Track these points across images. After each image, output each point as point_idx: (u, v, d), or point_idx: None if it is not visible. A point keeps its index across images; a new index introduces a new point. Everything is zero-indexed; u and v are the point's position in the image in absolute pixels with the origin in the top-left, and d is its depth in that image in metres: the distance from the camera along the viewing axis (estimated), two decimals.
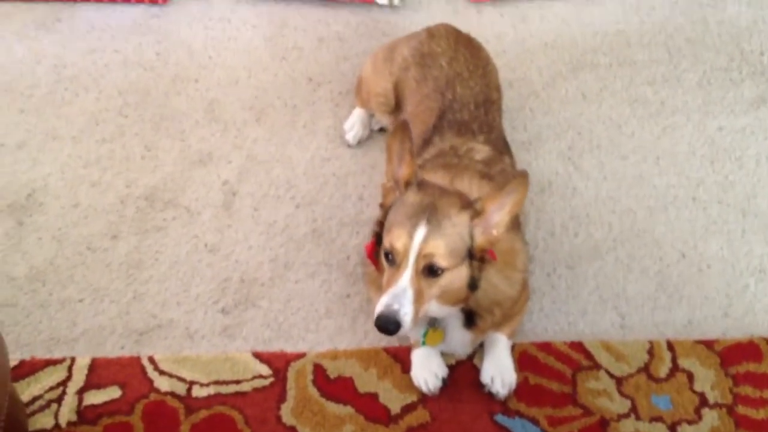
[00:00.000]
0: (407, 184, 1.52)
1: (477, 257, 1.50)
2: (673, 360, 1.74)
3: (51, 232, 1.99)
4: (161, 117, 2.27)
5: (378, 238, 1.58)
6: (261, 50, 2.47)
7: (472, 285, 1.53)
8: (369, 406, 1.69)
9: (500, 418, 1.66)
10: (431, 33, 2.12)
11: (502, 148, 1.90)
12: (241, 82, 2.37)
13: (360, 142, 2.21)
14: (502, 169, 1.80)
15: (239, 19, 2.55)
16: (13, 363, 1.70)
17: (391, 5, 2.56)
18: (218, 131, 2.24)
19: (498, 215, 1.47)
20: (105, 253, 1.95)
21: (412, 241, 1.44)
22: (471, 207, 1.48)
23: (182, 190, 2.10)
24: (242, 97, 2.33)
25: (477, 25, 2.48)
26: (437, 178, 1.67)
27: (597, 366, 1.73)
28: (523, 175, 1.45)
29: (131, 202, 2.06)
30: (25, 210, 2.03)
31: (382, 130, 2.23)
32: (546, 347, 1.77)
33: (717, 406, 1.68)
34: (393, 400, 1.69)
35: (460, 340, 1.69)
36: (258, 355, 1.77)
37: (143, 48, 2.46)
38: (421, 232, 1.44)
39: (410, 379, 1.71)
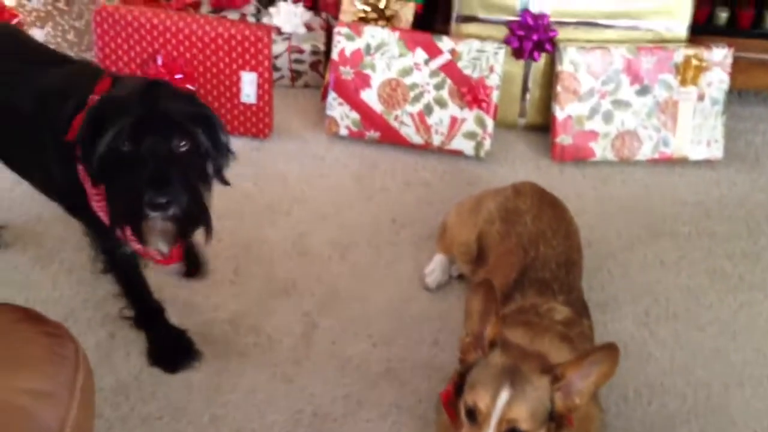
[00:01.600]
0: (492, 345, 1.56)
1: (556, 421, 1.52)
2: None
3: (138, 347, 2.08)
4: (252, 244, 2.39)
5: (457, 389, 1.61)
6: (350, 189, 2.60)
7: None
8: None
9: None
10: (517, 190, 2.21)
11: (580, 309, 1.94)
12: (329, 218, 2.49)
13: (439, 287, 2.28)
14: (581, 332, 1.84)
15: (333, 158, 2.71)
16: None
17: (477, 157, 2.68)
18: (304, 263, 2.35)
19: (581, 384, 1.49)
20: (187, 373, 2.03)
21: (495, 403, 1.47)
22: (552, 372, 1.51)
23: (265, 317, 2.18)
24: (329, 232, 2.45)
25: (558, 183, 2.58)
26: (517, 335, 1.71)
27: None
28: (613, 349, 1.48)
29: (216, 325, 2.15)
30: (117, 323, 2.13)
31: (461, 277, 2.29)
32: None
33: None
34: None
35: None
36: None
37: (242, 177, 2.61)
38: (504, 395, 1.47)
39: None
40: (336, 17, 2.94)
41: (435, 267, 2.29)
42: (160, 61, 2.59)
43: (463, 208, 2.27)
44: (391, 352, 2.11)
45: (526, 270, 1.98)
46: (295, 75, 2.93)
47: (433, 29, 2.79)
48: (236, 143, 2.75)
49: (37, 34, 2.76)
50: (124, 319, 2.09)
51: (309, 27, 2.92)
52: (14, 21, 2.76)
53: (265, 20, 2.91)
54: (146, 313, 2.02)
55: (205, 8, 2.92)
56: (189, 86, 2.64)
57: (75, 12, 2.79)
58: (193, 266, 2.24)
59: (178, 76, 2.60)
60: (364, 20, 2.77)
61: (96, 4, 2.80)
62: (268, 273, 2.31)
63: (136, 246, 1.71)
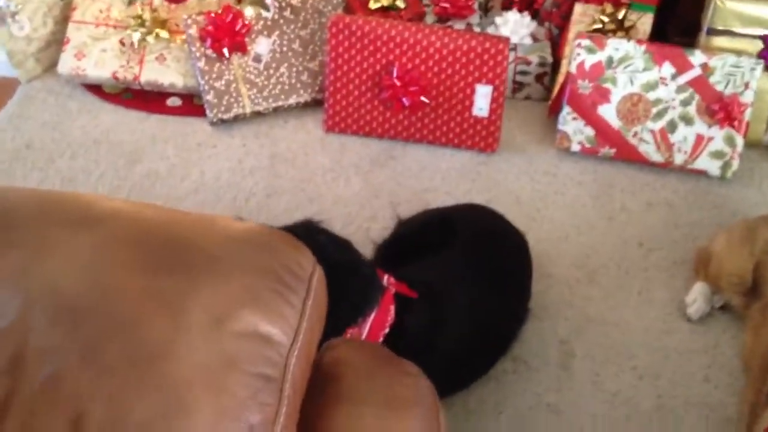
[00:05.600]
0: None
1: None
2: None
3: None
4: None
5: None
6: (588, 208, 2.49)
7: None
8: None
9: None
10: None
11: None
12: (570, 239, 2.40)
13: (700, 319, 2.15)
14: None
15: (564, 175, 2.61)
16: None
17: (722, 177, 2.53)
18: (549, 286, 2.26)
19: None
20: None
21: None
22: None
23: (519, 342, 2.11)
24: (572, 254, 2.35)
25: None
26: None
27: None
28: None
29: None
30: None
31: (723, 308, 2.16)
32: None
33: None
34: None
35: None
36: None
37: (473, 193, 2.55)
38: None
39: None
40: (560, 27, 2.84)
41: (696, 297, 2.16)
42: (395, 73, 2.56)
43: (733, 236, 2.13)
44: (660, 387, 2.00)
45: None
46: (517, 87, 2.85)
47: (666, 41, 2.65)
48: (460, 156, 2.73)
49: (264, 43, 2.77)
50: None
51: (534, 37, 2.83)
52: (245, 31, 2.79)
53: (489, 30, 2.83)
54: None
55: (429, 18, 2.87)
56: (423, 98, 2.60)
57: (301, 21, 2.79)
58: None
59: (412, 89, 2.57)
60: (600, 31, 2.65)
61: (321, 14, 2.80)
62: None
63: None
